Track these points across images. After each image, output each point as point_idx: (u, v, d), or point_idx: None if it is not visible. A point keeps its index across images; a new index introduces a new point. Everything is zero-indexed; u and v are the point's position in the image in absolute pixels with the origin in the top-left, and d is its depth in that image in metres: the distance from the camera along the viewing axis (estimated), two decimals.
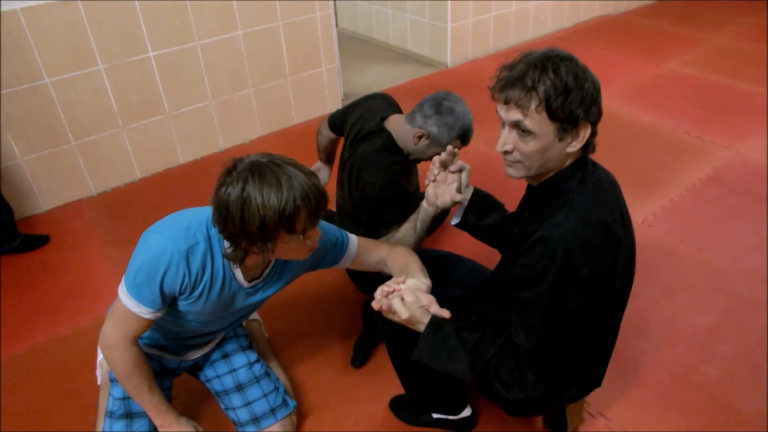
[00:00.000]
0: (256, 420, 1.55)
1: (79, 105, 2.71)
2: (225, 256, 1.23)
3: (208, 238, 1.24)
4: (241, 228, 1.12)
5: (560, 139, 1.12)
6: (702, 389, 1.80)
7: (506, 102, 1.11)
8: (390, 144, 1.81)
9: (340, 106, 2.75)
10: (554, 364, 1.19)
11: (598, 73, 1.14)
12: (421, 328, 1.23)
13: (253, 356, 1.64)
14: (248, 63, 3.20)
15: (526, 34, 4.89)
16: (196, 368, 1.64)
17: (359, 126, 1.89)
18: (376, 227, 1.70)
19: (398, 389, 1.67)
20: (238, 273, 1.32)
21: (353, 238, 1.51)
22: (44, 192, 2.79)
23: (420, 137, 1.75)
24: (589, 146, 1.17)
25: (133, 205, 2.86)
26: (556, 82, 1.05)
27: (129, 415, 1.45)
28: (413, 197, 1.89)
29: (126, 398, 1.44)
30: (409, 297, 1.23)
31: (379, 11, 4.88)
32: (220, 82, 3.14)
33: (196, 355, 1.59)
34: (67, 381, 1.88)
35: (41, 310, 2.21)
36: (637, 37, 4.96)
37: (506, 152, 1.17)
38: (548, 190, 1.21)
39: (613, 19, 5.46)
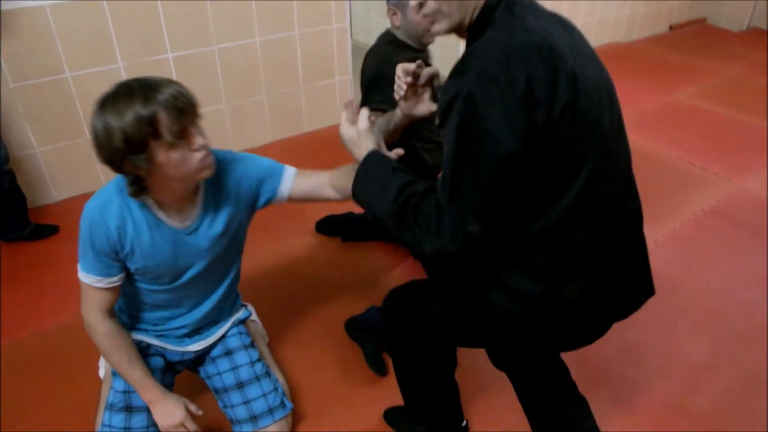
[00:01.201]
0: (254, 419, 1.58)
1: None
2: (129, 194, 1.25)
3: (120, 191, 1.29)
4: (111, 150, 1.14)
5: None
6: (695, 420, 1.82)
7: None
8: (391, 38, 2.10)
9: None
10: (479, 209, 1.01)
11: None
12: (359, 153, 1.23)
13: (255, 354, 1.67)
14: (263, 69, 3.25)
15: None
16: (198, 363, 1.67)
17: None
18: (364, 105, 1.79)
19: (393, 397, 1.70)
20: (163, 215, 1.34)
21: (290, 167, 1.53)
22: (57, 183, 2.84)
23: (393, 14, 2.03)
24: None
25: None
26: None
27: (129, 409, 1.48)
28: None
29: (127, 391, 1.47)
30: (362, 123, 1.25)
31: None
32: (235, 87, 3.20)
33: (198, 346, 1.61)
34: (69, 369, 1.92)
35: (47, 298, 2.25)
36: (646, 66, 5.02)
37: (420, 6, 1.11)
38: (476, 30, 1.10)
39: (624, 47, 5.53)
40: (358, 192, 1.22)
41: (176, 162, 1.20)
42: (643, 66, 5.03)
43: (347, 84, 3.69)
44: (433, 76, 1.38)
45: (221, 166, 1.41)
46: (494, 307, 1.19)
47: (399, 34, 2.10)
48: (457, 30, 1.13)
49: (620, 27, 5.57)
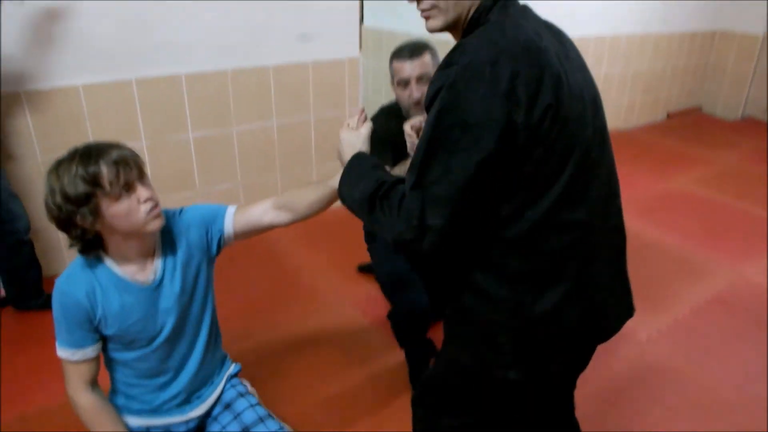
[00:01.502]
0: None
1: None
2: (80, 252, 1.33)
3: (85, 262, 1.36)
4: (58, 207, 1.22)
5: None
6: None
7: None
8: (388, 106, 2.16)
9: None
10: (443, 201, 0.99)
11: None
12: (347, 157, 1.28)
13: (254, 400, 1.66)
14: (278, 150, 3.40)
15: None
16: (202, 430, 1.67)
17: None
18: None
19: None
20: (126, 275, 1.37)
21: (231, 206, 1.59)
22: (72, 254, 2.90)
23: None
24: None
25: None
26: None
27: None
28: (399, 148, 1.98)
29: None
30: (364, 130, 1.35)
31: None
32: (251, 166, 3.33)
33: (200, 411, 1.60)
34: None
35: (57, 369, 2.26)
36: (645, 153, 5.20)
37: (418, 2, 1.14)
38: (470, 30, 1.11)
39: (623, 134, 5.74)
40: (341, 188, 1.25)
41: (123, 213, 1.27)
42: (641, 152, 5.21)
43: None
44: None
45: (170, 221, 1.48)
46: (471, 314, 1.17)
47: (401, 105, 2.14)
48: (452, 28, 1.15)
49: (619, 114, 5.80)
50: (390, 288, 2.24)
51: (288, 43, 3.20)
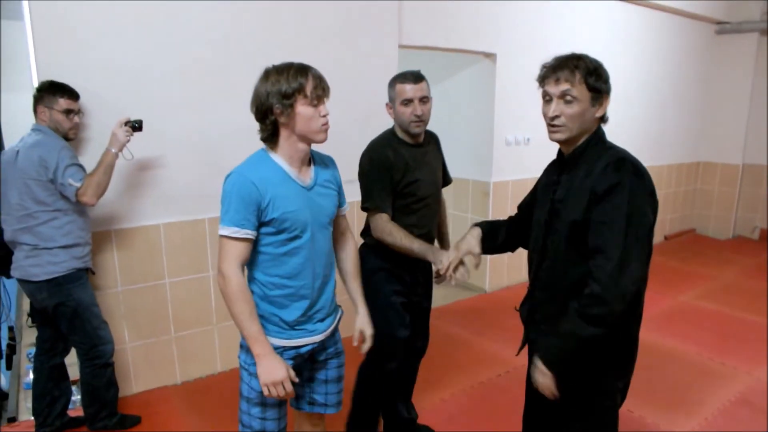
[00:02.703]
0: (323, 405, 1.95)
1: (186, 303, 3.20)
2: (261, 139, 1.70)
3: (252, 164, 1.70)
4: (266, 98, 1.62)
5: (592, 105, 1.60)
6: None
7: (557, 79, 1.59)
8: (386, 134, 2.37)
9: None
10: (635, 269, 1.53)
11: None
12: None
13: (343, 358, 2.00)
14: None
15: None
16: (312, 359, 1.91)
17: None
18: (364, 197, 2.28)
19: None
20: (290, 171, 1.71)
21: (346, 205, 1.98)
22: (139, 376, 3.13)
23: (389, 108, 2.33)
24: (604, 116, 1.66)
25: (214, 396, 3.16)
26: (588, 65, 1.59)
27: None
28: (402, 174, 2.29)
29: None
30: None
31: None
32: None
33: (329, 330, 1.86)
34: None
35: None
36: (650, 274, 5.53)
37: (555, 118, 1.61)
38: (586, 149, 1.65)
39: None
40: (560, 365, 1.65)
41: (308, 116, 1.65)
42: None
43: None
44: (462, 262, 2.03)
45: (324, 156, 1.90)
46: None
47: (396, 129, 2.37)
48: (568, 143, 1.67)
49: None
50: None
51: None
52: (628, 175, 1.53)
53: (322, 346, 1.88)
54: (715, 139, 6.99)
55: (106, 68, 2.78)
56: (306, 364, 1.89)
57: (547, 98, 1.64)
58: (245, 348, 1.74)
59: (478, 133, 4.86)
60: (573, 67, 1.58)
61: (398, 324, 2.37)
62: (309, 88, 1.63)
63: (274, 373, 1.66)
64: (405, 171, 2.29)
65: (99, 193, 2.51)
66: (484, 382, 3.36)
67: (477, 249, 1.97)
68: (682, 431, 2.85)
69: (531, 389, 1.80)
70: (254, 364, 1.69)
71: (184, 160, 3.07)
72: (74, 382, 2.88)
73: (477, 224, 2.04)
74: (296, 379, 1.72)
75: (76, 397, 2.94)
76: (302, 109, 1.64)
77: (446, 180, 2.59)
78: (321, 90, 1.66)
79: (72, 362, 2.82)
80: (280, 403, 1.82)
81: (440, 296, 4.81)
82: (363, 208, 2.31)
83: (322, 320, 1.84)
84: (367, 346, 2.00)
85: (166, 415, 2.94)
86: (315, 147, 1.78)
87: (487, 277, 4.96)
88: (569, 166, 1.69)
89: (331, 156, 1.94)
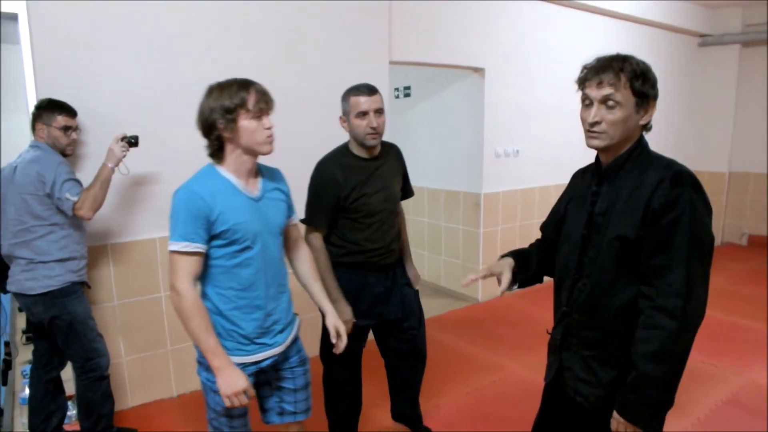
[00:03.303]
0: (293, 413, 1.97)
1: None
2: (208, 154, 1.76)
3: (200, 177, 1.75)
4: (210, 114, 1.67)
5: (636, 112, 1.47)
6: None
7: (600, 82, 1.45)
8: (339, 148, 2.39)
9: None
10: (701, 292, 1.43)
11: None
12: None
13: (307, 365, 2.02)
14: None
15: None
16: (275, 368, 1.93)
17: None
18: (305, 210, 2.36)
19: None
20: (238, 183, 1.75)
21: (296, 217, 2.04)
22: (135, 389, 3.15)
23: (344, 121, 2.33)
24: (648, 124, 1.52)
25: None
26: (635, 67, 1.45)
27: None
28: (349, 190, 2.31)
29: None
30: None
31: (416, 252, 5.64)
32: None
33: (288, 340, 1.89)
34: None
35: None
36: None
37: (595, 124, 1.47)
38: (631, 157, 1.52)
39: None
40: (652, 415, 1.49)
41: (251, 129, 1.69)
42: None
43: None
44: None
45: (272, 169, 1.92)
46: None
47: (350, 143, 2.37)
48: (607, 151, 1.53)
49: None
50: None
51: None
52: (688, 190, 1.41)
53: (285, 356, 1.92)
54: (702, 149, 7.11)
55: (104, 87, 2.84)
56: (271, 373, 1.93)
57: (587, 102, 1.51)
58: (204, 365, 1.76)
59: (469, 145, 4.94)
60: (618, 70, 1.44)
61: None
62: (251, 102, 1.69)
63: (234, 384, 1.69)
64: (353, 187, 2.31)
65: (95, 207, 2.55)
66: (479, 388, 3.39)
67: (507, 275, 1.71)
68: (675, 431, 2.88)
69: (552, 410, 1.78)
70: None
71: (180, 176, 3.06)
72: (70, 398, 2.89)
73: (505, 255, 1.81)
74: (252, 392, 1.76)
75: (72, 411, 2.95)
76: (245, 122, 1.69)
77: (406, 192, 2.60)
78: (264, 103, 1.71)
79: (68, 378, 2.83)
80: (245, 413, 1.87)
81: (434, 306, 4.86)
82: (300, 221, 2.36)
83: (281, 332, 1.87)
84: (343, 342, 2.02)
85: (162, 428, 2.95)
86: (262, 159, 1.82)
87: (480, 288, 5.01)
88: (610, 177, 1.56)
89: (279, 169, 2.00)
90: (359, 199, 2.31)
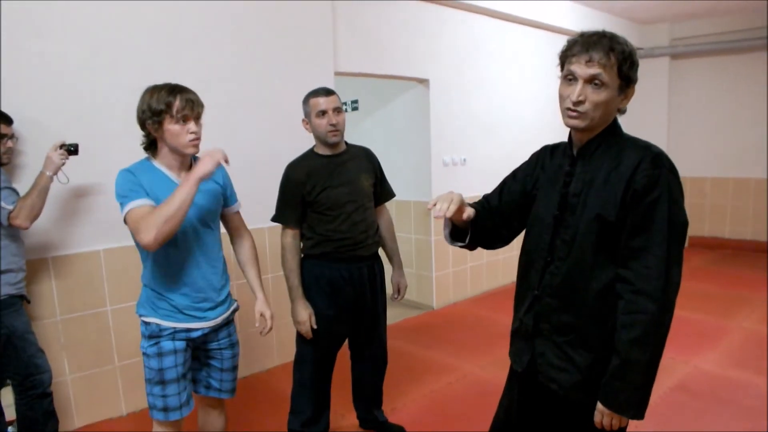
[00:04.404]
0: (218, 390, 2.16)
1: (130, 330, 3.11)
2: (143, 149, 1.94)
3: (144, 161, 1.95)
4: (141, 114, 1.85)
5: (618, 94, 1.43)
6: None
7: (589, 60, 1.39)
8: (306, 152, 2.52)
9: None
10: (676, 275, 1.38)
11: None
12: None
13: (237, 349, 2.20)
14: None
15: (497, 281, 5.67)
16: (205, 343, 2.08)
17: None
18: (275, 209, 2.51)
19: None
20: (172, 175, 1.92)
21: (238, 204, 2.21)
22: (81, 409, 3.01)
23: (306, 123, 2.48)
24: (624, 108, 1.48)
25: None
26: (624, 48, 1.40)
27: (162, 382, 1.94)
28: (312, 185, 2.43)
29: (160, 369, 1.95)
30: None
31: None
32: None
33: (220, 318, 2.04)
34: None
35: None
36: None
37: (579, 103, 1.41)
38: (606, 137, 1.48)
39: None
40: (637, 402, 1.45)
41: (175, 132, 1.85)
42: None
43: None
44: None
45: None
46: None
47: (315, 145, 2.50)
48: (586, 131, 1.48)
49: None
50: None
51: None
52: (665, 172, 1.39)
53: (215, 335, 2.08)
54: (680, 153, 7.33)
55: (43, 95, 2.77)
56: (200, 352, 2.10)
57: (570, 78, 1.44)
58: (145, 336, 1.97)
59: (417, 155, 5.03)
60: (608, 49, 1.38)
61: (323, 333, 2.52)
62: (176, 107, 1.84)
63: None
64: (316, 182, 2.43)
65: (32, 216, 2.47)
66: (435, 390, 3.40)
67: (466, 208, 1.60)
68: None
69: (511, 404, 1.73)
70: (151, 345, 1.94)
71: None
72: (11, 422, 2.74)
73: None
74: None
75: None
76: (170, 126, 1.86)
77: (384, 192, 2.69)
78: (189, 110, 1.86)
79: (9, 404, 2.70)
80: (178, 379, 1.97)
81: (390, 315, 4.81)
82: (271, 219, 2.53)
83: (212, 309, 2.03)
84: (268, 327, 2.18)
85: None
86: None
87: (434, 295, 5.05)
88: (584, 157, 1.51)
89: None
90: (322, 192, 2.43)
